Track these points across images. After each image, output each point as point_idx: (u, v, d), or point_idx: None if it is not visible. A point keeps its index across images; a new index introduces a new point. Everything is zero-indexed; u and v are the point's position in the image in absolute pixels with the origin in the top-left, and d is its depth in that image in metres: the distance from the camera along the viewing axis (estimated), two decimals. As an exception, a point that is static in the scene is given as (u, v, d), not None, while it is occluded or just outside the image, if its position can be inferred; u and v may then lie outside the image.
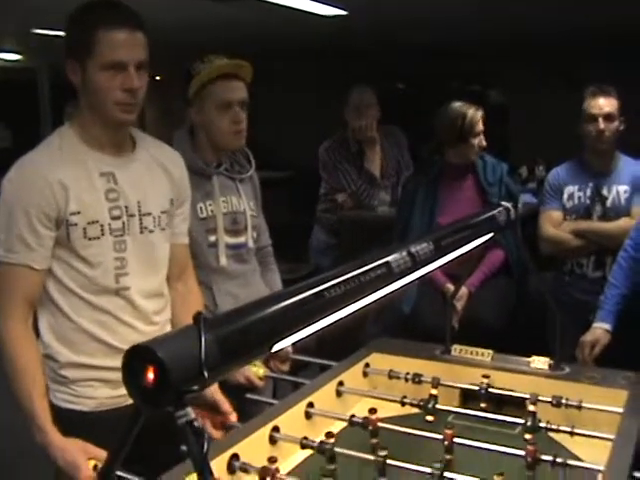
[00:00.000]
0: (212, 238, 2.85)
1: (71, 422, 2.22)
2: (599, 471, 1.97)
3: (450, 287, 3.77)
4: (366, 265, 1.58)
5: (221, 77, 2.82)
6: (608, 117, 3.78)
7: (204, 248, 2.83)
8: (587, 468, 2.03)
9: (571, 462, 2.04)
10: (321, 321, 1.40)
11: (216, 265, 2.85)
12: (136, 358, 1.10)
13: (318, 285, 1.41)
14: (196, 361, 1.09)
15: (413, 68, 7.82)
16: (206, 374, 1.09)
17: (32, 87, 10.87)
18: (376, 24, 6.61)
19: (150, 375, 1.08)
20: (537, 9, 5.60)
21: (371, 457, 2.06)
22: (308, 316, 1.35)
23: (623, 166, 3.86)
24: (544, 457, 2.05)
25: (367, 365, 2.78)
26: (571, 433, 2.24)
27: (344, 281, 1.47)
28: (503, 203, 2.51)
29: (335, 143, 4.89)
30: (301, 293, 1.36)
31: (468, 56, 7.46)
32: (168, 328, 2.47)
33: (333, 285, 1.44)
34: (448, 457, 2.10)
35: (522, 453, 2.07)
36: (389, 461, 2.02)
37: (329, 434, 2.16)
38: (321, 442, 2.12)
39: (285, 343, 1.30)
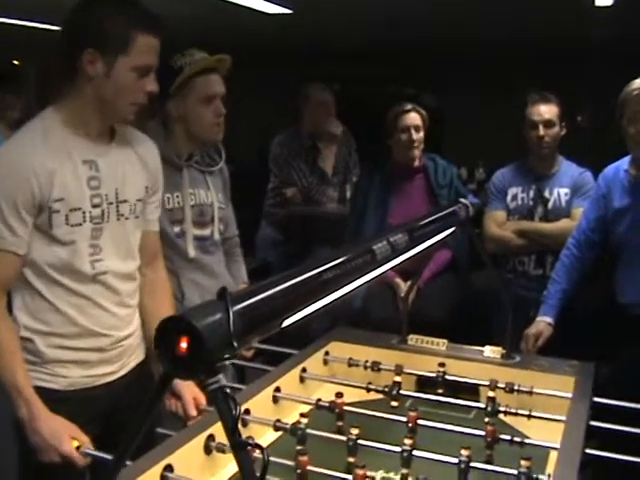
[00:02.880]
0: (176, 229, 2.92)
1: (42, 400, 2.24)
2: (555, 448, 2.11)
3: (399, 282, 3.91)
4: (354, 252, 1.70)
5: (204, 71, 2.89)
6: (548, 123, 3.95)
7: (172, 238, 2.89)
8: (544, 446, 2.18)
9: (528, 441, 2.19)
10: (320, 301, 1.51)
11: (184, 255, 2.93)
12: (170, 329, 1.18)
13: (316, 268, 1.52)
14: (226, 332, 1.19)
15: (350, 69, 7.92)
16: (235, 344, 1.19)
17: None
18: (316, 24, 6.71)
19: (184, 345, 1.16)
20: (477, 13, 5.75)
21: (343, 438, 2.18)
22: (310, 295, 1.47)
23: (564, 170, 4.04)
24: (503, 436, 2.21)
25: (327, 353, 2.90)
26: (528, 416, 2.39)
27: (337, 265, 1.59)
28: (462, 200, 2.66)
29: (288, 137, 4.94)
30: (304, 274, 1.47)
31: (406, 59, 7.60)
32: (137, 312, 2.55)
33: (329, 268, 1.55)
34: (413, 438, 2.22)
35: (481, 433, 2.23)
36: (360, 441, 2.15)
37: (303, 415, 2.27)
38: (294, 423, 2.23)
39: (292, 319, 1.41)
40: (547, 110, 3.96)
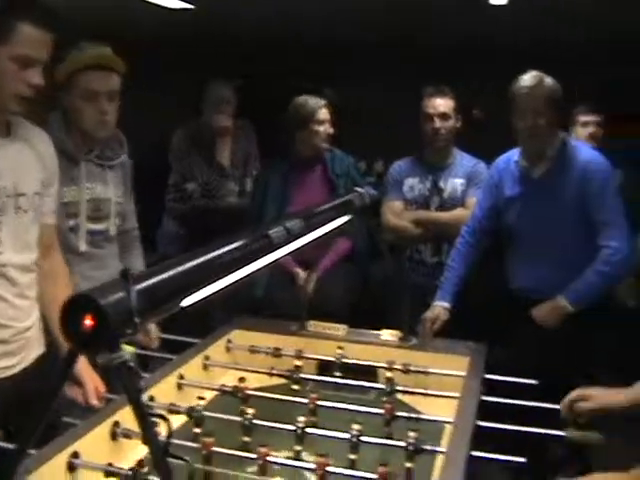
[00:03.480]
0: (71, 222, 2.90)
1: None
2: (450, 422, 2.22)
3: (299, 271, 3.98)
4: (251, 236, 1.76)
5: (91, 67, 2.86)
6: (443, 116, 4.08)
7: (64, 231, 2.88)
8: (439, 421, 2.29)
9: (424, 416, 2.30)
10: (218, 282, 1.57)
11: (74, 249, 2.92)
12: (74, 307, 1.22)
13: (215, 251, 1.58)
14: (128, 309, 1.24)
15: (253, 65, 7.95)
16: (137, 320, 1.24)
17: None
18: (219, 20, 6.71)
19: (88, 322, 1.21)
20: (377, 7, 5.84)
21: (238, 418, 2.25)
22: (208, 276, 1.53)
23: (459, 161, 4.17)
24: (400, 413, 2.31)
25: (229, 341, 2.95)
26: (425, 394, 2.50)
27: (235, 248, 1.65)
28: (358, 189, 2.74)
29: (187, 132, 4.94)
30: (202, 256, 1.53)
31: (308, 54, 7.66)
32: (36, 304, 2.54)
33: (227, 251, 1.61)
34: (313, 419, 2.30)
35: (380, 412, 2.32)
36: (255, 421, 2.22)
37: (200, 398, 2.34)
38: (191, 407, 2.29)
39: (191, 300, 1.46)
40: (442, 103, 4.09)
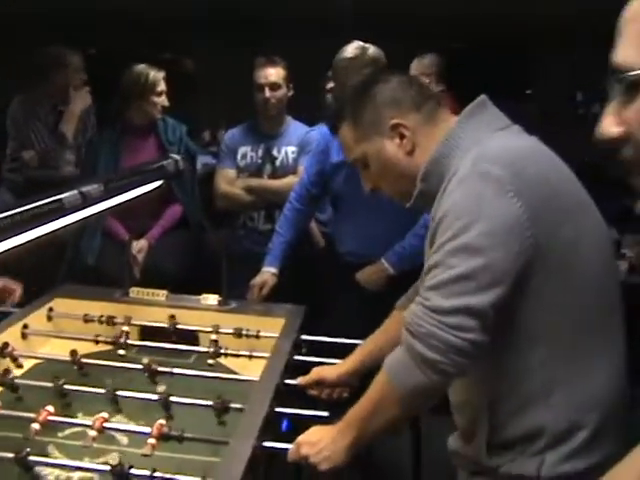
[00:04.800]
0: None
1: None
2: (255, 381, 2.29)
3: (128, 239, 3.97)
4: (40, 200, 1.77)
5: None
6: (274, 86, 4.11)
7: None
8: (244, 380, 2.37)
9: (229, 376, 2.38)
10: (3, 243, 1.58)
11: None
12: None
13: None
14: None
15: (106, 35, 7.85)
16: None
17: None
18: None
19: None
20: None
21: (50, 384, 2.28)
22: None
23: (292, 129, 4.24)
24: (215, 374, 2.39)
25: (51, 309, 2.94)
26: (238, 355, 2.60)
27: (21, 212, 1.66)
28: (172, 155, 2.74)
29: (28, 99, 4.82)
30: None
31: (162, 25, 7.61)
32: None
33: (10, 214, 1.62)
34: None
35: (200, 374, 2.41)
36: (66, 386, 2.27)
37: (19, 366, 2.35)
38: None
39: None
40: (273, 73, 4.12)
